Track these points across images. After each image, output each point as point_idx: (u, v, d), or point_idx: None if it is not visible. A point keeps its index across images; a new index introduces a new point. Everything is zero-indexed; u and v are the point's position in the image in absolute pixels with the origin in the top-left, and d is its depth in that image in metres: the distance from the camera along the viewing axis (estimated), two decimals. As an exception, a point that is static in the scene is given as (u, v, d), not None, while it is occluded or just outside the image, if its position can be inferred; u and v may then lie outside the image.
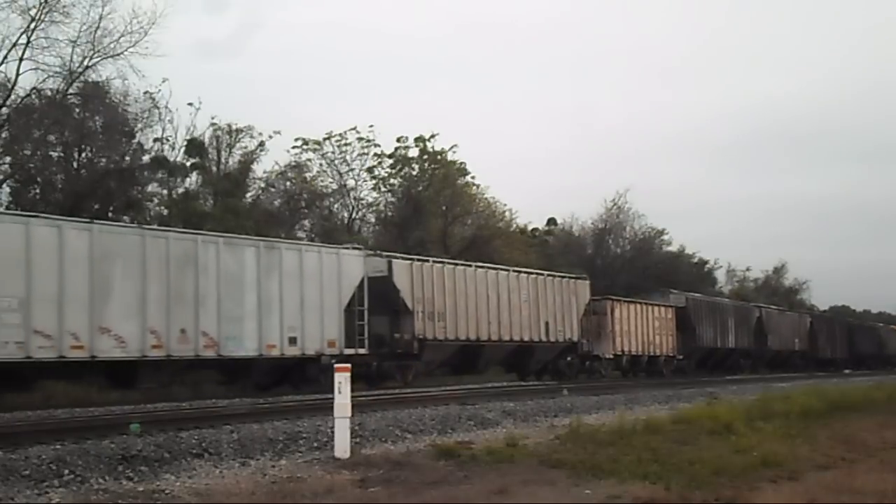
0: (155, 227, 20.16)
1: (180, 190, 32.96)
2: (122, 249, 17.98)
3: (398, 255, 25.59)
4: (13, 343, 15.92)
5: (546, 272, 30.55)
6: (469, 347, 26.26)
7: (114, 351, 17.50)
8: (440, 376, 26.75)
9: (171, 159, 32.23)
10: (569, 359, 30.45)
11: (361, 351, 22.20)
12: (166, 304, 18.41)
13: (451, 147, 42.01)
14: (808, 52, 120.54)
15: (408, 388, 22.82)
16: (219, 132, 34.06)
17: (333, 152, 40.10)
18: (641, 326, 34.29)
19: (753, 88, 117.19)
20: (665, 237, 57.18)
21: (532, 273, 29.61)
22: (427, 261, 25.62)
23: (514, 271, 28.70)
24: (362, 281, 22.52)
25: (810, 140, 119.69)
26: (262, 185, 36.66)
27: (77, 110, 29.28)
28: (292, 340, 20.70)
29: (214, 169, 34.24)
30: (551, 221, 57.25)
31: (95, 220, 19.17)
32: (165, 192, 32.79)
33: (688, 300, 38.47)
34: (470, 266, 26.92)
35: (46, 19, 27.01)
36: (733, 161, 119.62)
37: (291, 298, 20.79)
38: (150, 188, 32.49)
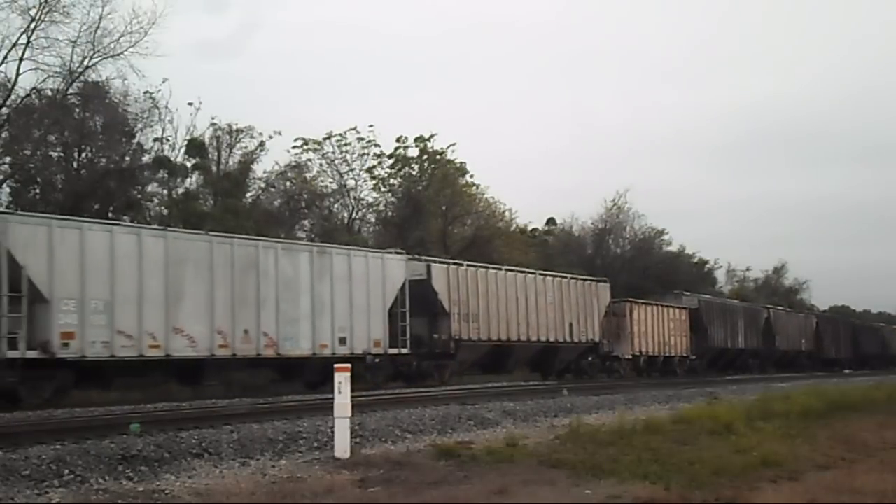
0: (222, 233, 21.59)
1: (180, 190, 32.98)
2: (192, 255, 19.22)
3: (436, 259, 26.98)
4: (100, 342, 17.25)
5: (570, 275, 31.72)
6: (500, 348, 27.41)
7: (186, 350, 18.69)
8: (471, 375, 27.90)
9: (172, 159, 32.25)
10: (590, 359, 31.58)
11: (404, 351, 23.47)
12: (231, 306, 19.67)
13: (450, 146, 42.09)
14: (807, 53, 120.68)
15: (444, 386, 23.99)
16: (219, 132, 34.10)
17: (333, 152, 40.18)
18: (657, 328, 35.40)
19: (753, 89, 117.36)
20: (665, 237, 57.24)
21: (557, 276, 30.60)
22: (461, 265, 26.72)
23: (541, 274, 29.77)
24: (404, 284, 23.77)
25: (810, 140, 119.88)
26: (263, 185, 36.70)
27: (77, 110, 29.28)
28: (342, 340, 21.94)
29: (214, 169, 34.23)
30: (551, 221, 57.26)
31: (169, 228, 20.94)
32: (165, 192, 32.80)
33: (700, 302, 39.62)
34: (500, 269, 28.17)
35: (46, 19, 27.05)
36: (733, 161, 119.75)
37: (341, 301, 22.03)
38: (150, 188, 32.53)
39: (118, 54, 28.36)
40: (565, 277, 30.93)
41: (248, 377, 21.52)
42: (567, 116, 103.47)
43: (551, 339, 29.25)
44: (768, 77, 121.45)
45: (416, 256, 25.94)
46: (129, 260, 17.94)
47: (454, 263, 26.63)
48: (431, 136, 41.57)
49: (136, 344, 17.82)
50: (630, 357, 33.62)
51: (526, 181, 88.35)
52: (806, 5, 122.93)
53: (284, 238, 28.58)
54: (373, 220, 42.73)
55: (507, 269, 28.62)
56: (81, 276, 17.20)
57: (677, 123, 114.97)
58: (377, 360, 22.44)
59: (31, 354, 16.35)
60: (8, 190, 28.57)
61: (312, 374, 21.60)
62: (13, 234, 16.59)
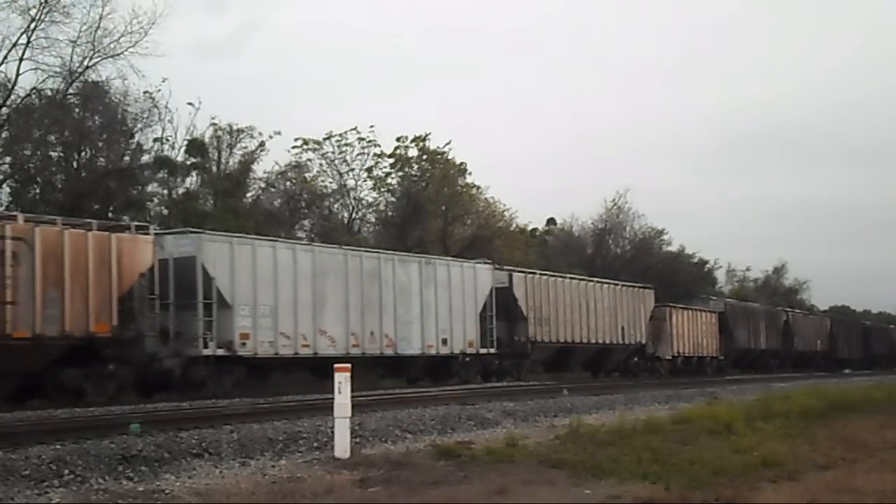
0: (353, 247, 25.04)
1: (180, 190, 32.97)
2: (332, 266, 22.25)
3: (516, 268, 30.01)
4: (267, 342, 20.34)
5: (621, 282, 34.68)
6: (565, 348, 30.50)
7: (328, 349, 21.59)
8: (537, 374, 30.45)
9: (172, 159, 32.24)
10: (635, 360, 34.58)
11: (492, 350, 26.66)
12: (361, 310, 22.71)
13: (447, 144, 42.05)
14: (807, 53, 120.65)
15: (520, 382, 26.56)
16: (219, 132, 34.08)
17: (333, 152, 40.16)
18: (692, 330, 38.44)
19: (754, 89, 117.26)
20: (665, 237, 57.27)
21: (611, 283, 33.75)
22: (535, 273, 29.95)
23: (597, 282, 33.06)
24: (491, 291, 26.79)
25: (810, 141, 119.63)
26: (263, 185, 36.69)
27: (77, 110, 29.27)
28: (444, 341, 25.04)
29: (215, 169, 34.23)
30: (551, 221, 57.26)
31: (314, 243, 24.46)
32: (165, 192, 32.80)
33: (726, 306, 43.21)
34: (565, 278, 31.45)
35: (46, 19, 27.05)
36: (734, 161, 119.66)
37: (443, 306, 25.10)
38: (150, 188, 32.52)
39: (118, 54, 28.40)
40: (617, 284, 33.93)
41: (365, 373, 23.48)
42: (567, 117, 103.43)
43: (606, 341, 32.15)
44: (768, 78, 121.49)
45: (500, 266, 28.83)
46: (287, 271, 21.01)
47: (530, 272, 29.83)
48: (427, 135, 41.59)
49: (292, 343, 20.97)
50: (670, 357, 36.39)
51: (526, 181, 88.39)
52: (807, 8, 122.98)
53: (284, 237, 28.64)
54: (373, 220, 42.76)
55: (570, 278, 31.76)
56: (254, 286, 20.24)
57: (677, 124, 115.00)
58: (467, 360, 25.73)
59: (220, 352, 19.37)
60: (8, 190, 28.60)
61: (417, 370, 24.95)
62: (205, 251, 19.52)
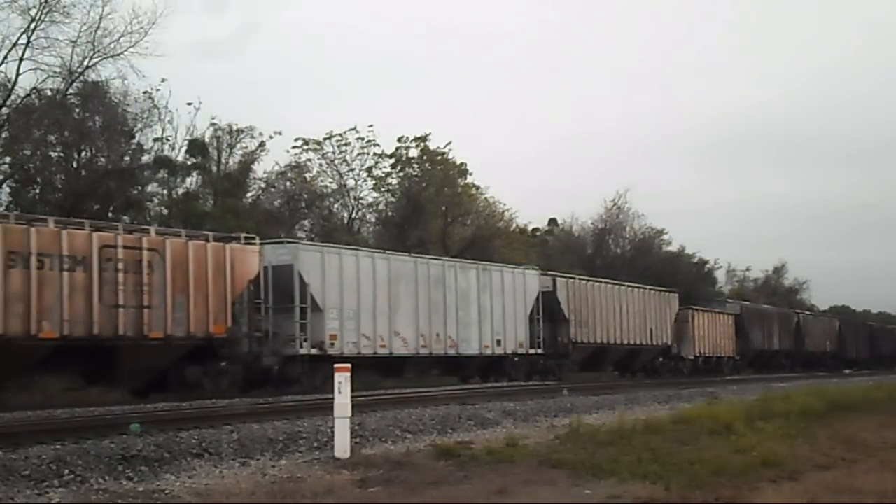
0: (421, 255, 27.18)
1: (181, 190, 32.96)
2: (404, 273, 24.15)
3: (559, 274, 31.87)
4: (351, 343, 22.23)
5: (648, 286, 36.54)
6: (601, 349, 32.41)
7: (401, 350, 23.66)
8: (576, 372, 31.98)
9: (172, 159, 32.22)
10: (661, 360, 36.50)
11: (539, 351, 28.57)
12: (428, 314, 24.54)
13: (447, 144, 42.04)
14: (806, 53, 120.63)
15: (561, 381, 27.71)
16: (219, 132, 34.06)
17: (333, 152, 40.14)
18: (712, 332, 40.56)
19: (753, 90, 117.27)
20: (665, 237, 57.27)
21: (641, 288, 35.65)
22: (574, 278, 32.16)
23: (628, 286, 34.73)
24: (538, 295, 28.65)
25: (809, 141, 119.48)
26: (263, 185, 36.67)
27: (77, 110, 29.25)
28: (498, 342, 26.91)
29: (215, 169, 34.22)
30: (551, 221, 57.24)
31: (389, 252, 25.57)
32: (165, 192, 32.79)
33: (742, 308, 45.10)
34: (601, 282, 33.31)
35: (46, 19, 27.00)
36: (733, 161, 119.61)
37: (497, 309, 26.95)
38: (150, 188, 32.49)
39: (118, 54, 28.35)
40: (646, 289, 35.88)
41: (427, 371, 26.06)
42: (567, 117, 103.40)
43: (637, 342, 34.15)
44: (767, 78, 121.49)
45: (545, 272, 30.66)
46: (367, 278, 22.96)
47: (571, 277, 32.06)
48: (427, 135, 41.59)
49: (372, 344, 22.83)
50: (692, 357, 38.34)
51: (526, 181, 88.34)
52: (808, 8, 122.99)
53: (284, 237, 28.64)
54: (373, 220, 42.75)
55: (605, 282, 33.57)
56: (340, 291, 22.14)
57: (677, 124, 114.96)
58: (516, 359, 27.55)
59: (313, 352, 21.20)
60: (8, 190, 28.56)
61: (472, 369, 26.82)
62: (301, 259, 21.47)
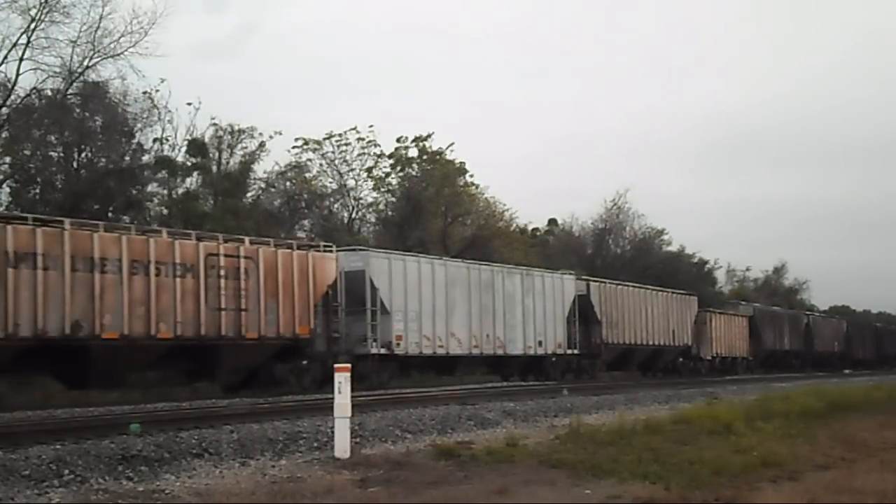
0: (472, 261, 28.34)
1: (181, 190, 32.93)
2: (459, 277, 25.88)
3: (592, 278, 33.33)
4: (413, 343, 23.93)
5: (670, 290, 38.24)
6: (628, 349, 33.96)
7: (457, 349, 25.36)
8: (603, 371, 33.36)
9: (172, 159, 32.19)
10: (681, 360, 38.19)
11: (575, 351, 30.27)
12: (479, 316, 26.23)
13: (449, 146, 42.05)
14: (806, 53, 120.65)
15: (593, 380, 29.97)
16: (220, 132, 34.03)
17: (333, 152, 40.13)
18: (727, 333, 42.39)
19: (753, 90, 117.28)
20: (665, 237, 57.28)
21: (664, 291, 37.43)
22: (604, 282, 33.48)
23: (652, 289, 36.44)
24: (574, 298, 30.30)
25: (809, 142, 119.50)
26: (263, 185, 36.60)
27: (77, 110, 29.23)
28: (539, 343, 28.55)
29: (215, 169, 34.19)
30: (551, 221, 57.23)
31: (445, 258, 27.58)
32: (165, 192, 32.76)
33: (755, 310, 46.74)
34: (628, 286, 34.83)
35: (46, 19, 26.95)
36: (734, 162, 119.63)
37: (539, 312, 28.57)
38: (150, 188, 32.45)
39: (118, 54, 28.31)
40: (668, 292, 37.61)
41: (476, 370, 27.86)
42: (567, 117, 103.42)
43: (660, 343, 35.79)
44: (766, 79, 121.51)
45: (580, 276, 32.28)
46: (427, 283, 24.62)
47: (602, 281, 33.46)
48: (429, 135, 41.58)
49: (431, 344, 24.48)
50: (710, 358, 40.10)
51: (526, 181, 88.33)
52: (804, 10, 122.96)
53: (285, 237, 28.67)
54: (373, 220, 42.73)
55: (633, 286, 35.16)
56: (405, 295, 23.80)
57: (677, 124, 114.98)
58: (554, 359, 29.13)
59: (382, 351, 22.97)
60: (8, 190, 28.53)
61: (514, 368, 28.42)
62: (372, 265, 23.17)
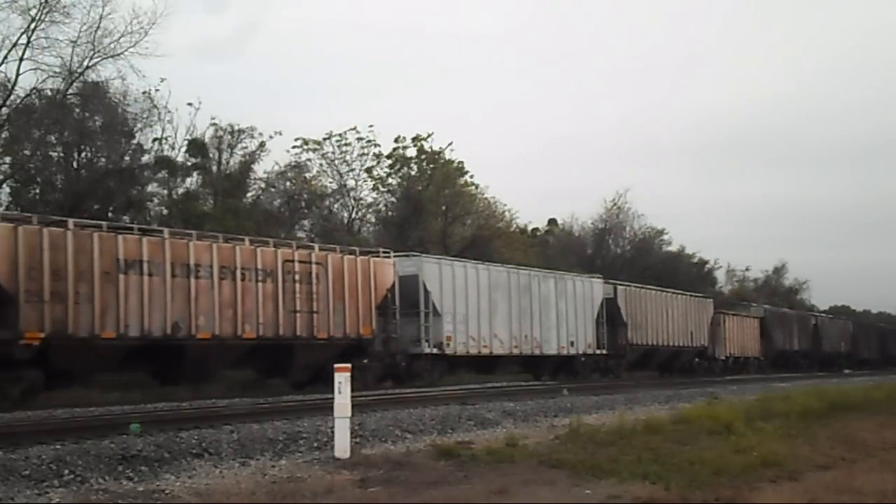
0: (512, 266, 30.17)
1: (181, 190, 32.94)
2: (500, 282, 27.37)
3: (619, 282, 34.55)
4: (461, 343, 25.57)
5: (689, 293, 40.30)
6: (650, 350, 35.54)
7: (499, 350, 26.95)
8: (627, 371, 34.62)
9: (172, 159, 32.19)
10: (697, 360, 39.51)
11: (604, 352, 31.72)
12: (518, 318, 27.73)
13: (448, 145, 42.04)
14: (806, 53, 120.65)
15: (618, 379, 31.28)
16: (220, 132, 34.04)
17: (333, 152, 40.14)
18: (740, 334, 43.93)
19: (753, 90, 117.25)
20: (665, 237, 57.31)
21: (683, 294, 39.37)
22: (629, 286, 35.01)
23: (673, 293, 38.16)
24: (602, 301, 31.77)
25: (809, 142, 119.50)
26: (263, 185, 36.62)
27: (77, 110, 29.23)
28: (571, 343, 30.06)
29: (215, 169, 34.19)
30: (551, 221, 57.23)
31: (488, 263, 28.87)
32: (165, 192, 32.76)
33: (766, 312, 48.22)
34: (651, 289, 36.54)
35: (46, 19, 27.02)
36: (734, 162, 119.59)
37: (571, 314, 30.11)
38: (150, 188, 32.47)
39: (118, 54, 28.37)
40: (686, 295, 39.50)
41: (512, 369, 29.11)
42: (566, 117, 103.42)
43: (679, 344, 37.45)
44: (766, 78, 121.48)
45: (607, 280, 33.41)
46: (473, 286, 26.23)
47: (628, 285, 34.86)
48: (429, 135, 41.58)
49: (477, 344, 26.11)
50: (724, 358, 41.53)
51: (526, 181, 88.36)
52: (803, 8, 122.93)
53: (284, 237, 28.69)
54: (373, 220, 42.73)
55: (655, 289, 36.88)
56: (453, 298, 25.42)
57: (677, 124, 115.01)
58: (583, 359, 30.55)
59: (434, 351, 24.60)
60: (8, 190, 28.55)
61: (548, 367, 29.71)
62: (425, 270, 24.77)
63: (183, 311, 18.17)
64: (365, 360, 21.86)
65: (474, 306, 26.06)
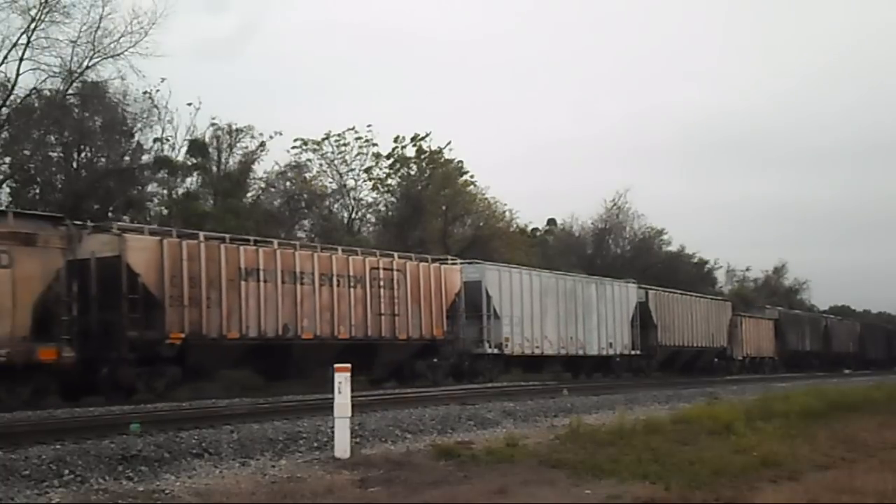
0: (559, 272, 32.60)
1: (180, 190, 32.94)
2: (549, 287, 29.53)
3: (650, 287, 36.80)
4: (517, 344, 27.58)
5: (710, 296, 43.40)
6: (677, 351, 37.76)
7: (549, 350, 29.06)
8: (656, 370, 36.41)
9: (172, 159, 32.20)
10: (716, 360, 41.77)
11: (637, 352, 33.82)
12: (564, 320, 29.90)
13: (447, 144, 42.01)
14: (806, 53, 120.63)
15: (648, 378, 32.88)
16: (220, 132, 34.03)
17: (333, 152, 40.12)
18: (756, 335, 46.06)
19: (753, 90, 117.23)
20: (665, 237, 57.33)
21: (705, 297, 42.35)
22: (659, 290, 37.20)
23: (696, 296, 40.96)
24: (637, 304, 33.91)
25: (810, 142, 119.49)
26: (263, 185, 36.63)
27: (77, 110, 29.23)
28: (610, 344, 32.18)
29: (215, 169, 34.18)
30: (551, 221, 57.24)
31: (538, 269, 31.24)
32: (165, 192, 32.77)
33: (780, 314, 50.58)
34: (677, 293, 38.81)
35: (46, 19, 27.04)
36: (734, 162, 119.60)
37: (609, 317, 32.20)
38: (150, 188, 32.48)
39: (118, 54, 28.38)
40: (708, 298, 42.25)
41: (554, 368, 30.82)
42: (566, 117, 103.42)
43: (702, 345, 39.77)
44: (766, 78, 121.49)
45: (640, 285, 35.25)
46: (527, 291, 28.37)
47: (658, 289, 37.06)
48: (427, 134, 41.55)
49: (530, 345, 28.22)
50: (741, 358, 43.63)
51: (527, 181, 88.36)
52: (805, 4, 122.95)
53: (284, 237, 28.69)
54: (373, 220, 42.72)
55: (681, 293, 39.16)
56: (511, 302, 27.48)
57: (677, 124, 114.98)
58: (618, 359, 32.50)
59: (494, 351, 26.78)
60: (8, 190, 28.56)
61: (588, 366, 31.74)
62: (487, 276, 26.98)
63: (291, 314, 20.45)
64: (435, 360, 24.27)
65: (528, 310, 28.06)
